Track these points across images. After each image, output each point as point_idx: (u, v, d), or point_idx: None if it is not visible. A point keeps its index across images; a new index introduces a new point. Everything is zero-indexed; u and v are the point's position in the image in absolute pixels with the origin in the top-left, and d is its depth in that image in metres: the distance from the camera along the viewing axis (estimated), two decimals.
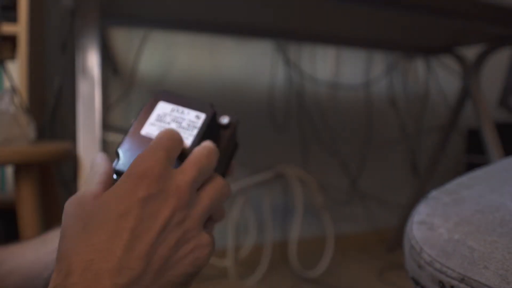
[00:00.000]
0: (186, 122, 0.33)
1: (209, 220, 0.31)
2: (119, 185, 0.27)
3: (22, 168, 0.78)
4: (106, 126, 1.26)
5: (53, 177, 0.99)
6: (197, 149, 0.31)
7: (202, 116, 0.33)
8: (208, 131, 0.33)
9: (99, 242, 0.25)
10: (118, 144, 0.32)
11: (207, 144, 0.31)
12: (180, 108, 0.33)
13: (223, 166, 0.35)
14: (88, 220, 0.26)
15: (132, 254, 0.25)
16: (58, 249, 0.26)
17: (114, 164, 0.31)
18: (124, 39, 1.33)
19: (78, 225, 0.26)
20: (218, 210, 0.32)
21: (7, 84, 0.93)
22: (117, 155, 0.31)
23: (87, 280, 0.23)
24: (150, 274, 0.25)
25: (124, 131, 0.32)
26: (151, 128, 0.32)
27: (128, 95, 1.34)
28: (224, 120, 0.35)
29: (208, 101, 0.34)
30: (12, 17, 0.96)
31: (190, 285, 0.28)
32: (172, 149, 0.29)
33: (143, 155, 0.28)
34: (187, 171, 0.29)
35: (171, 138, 0.30)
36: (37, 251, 0.43)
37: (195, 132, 0.32)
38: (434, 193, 0.45)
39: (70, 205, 0.28)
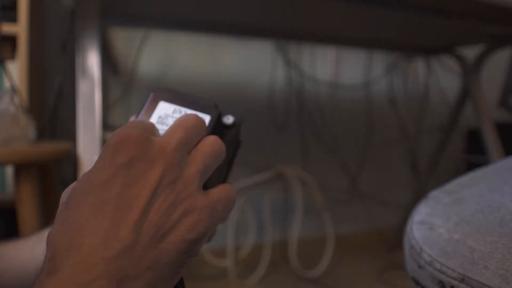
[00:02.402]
0: None
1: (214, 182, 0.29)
2: (98, 158, 0.25)
3: (22, 168, 0.78)
4: (106, 126, 1.26)
5: (53, 177, 0.99)
6: (182, 115, 0.29)
7: (207, 118, 0.31)
8: (213, 133, 0.30)
9: (81, 218, 0.23)
10: None
11: (191, 114, 0.29)
12: (183, 109, 0.31)
13: (226, 166, 0.34)
14: (71, 198, 0.24)
15: (119, 224, 0.22)
16: (47, 238, 0.24)
17: None
18: (124, 39, 1.33)
19: (63, 208, 0.24)
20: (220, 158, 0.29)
21: (7, 84, 0.93)
22: None
23: (72, 258, 0.21)
24: (142, 243, 0.23)
25: None
26: None
27: (128, 95, 1.34)
28: (229, 120, 0.34)
29: (211, 100, 0.32)
30: (12, 17, 0.96)
31: (194, 255, 0.25)
32: (149, 126, 0.27)
33: (118, 128, 0.26)
34: (172, 132, 0.27)
35: (144, 120, 0.28)
36: (33, 249, 0.42)
37: None
38: (434, 193, 0.45)
39: (62, 194, 0.26)
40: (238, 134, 0.35)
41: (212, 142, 0.28)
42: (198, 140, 0.28)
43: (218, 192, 0.28)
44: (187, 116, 0.28)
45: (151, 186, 0.24)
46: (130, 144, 0.24)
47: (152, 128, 0.28)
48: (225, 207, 0.28)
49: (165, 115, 0.31)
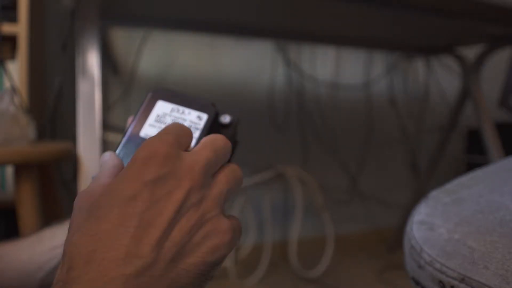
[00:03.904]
0: (188, 123, 0.31)
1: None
2: (125, 171, 0.25)
3: (22, 168, 0.78)
4: (106, 126, 1.26)
5: (53, 177, 0.99)
6: (211, 135, 0.29)
7: (204, 116, 0.31)
8: (210, 132, 0.31)
9: (103, 231, 0.22)
10: (116, 147, 0.30)
11: (220, 135, 0.29)
12: (181, 108, 0.31)
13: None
14: (92, 209, 0.24)
15: (141, 241, 0.22)
16: (64, 246, 0.24)
17: None
18: (124, 39, 1.33)
19: (82, 216, 0.24)
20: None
21: (7, 84, 0.93)
22: None
23: (90, 272, 0.21)
24: (163, 262, 0.22)
25: (123, 131, 0.31)
26: (150, 130, 0.30)
27: (128, 95, 1.34)
28: (226, 119, 0.34)
29: (208, 99, 0.32)
30: (12, 17, 0.96)
31: (210, 278, 0.25)
32: (182, 135, 0.27)
33: (149, 139, 0.26)
34: (201, 151, 0.26)
35: (181, 127, 0.28)
36: (32, 250, 0.42)
37: (197, 134, 0.30)
38: (434, 193, 0.45)
39: (78, 199, 0.26)
40: (235, 133, 0.35)
41: (236, 168, 0.29)
42: (222, 164, 0.28)
43: (235, 219, 0.28)
44: (216, 136, 0.28)
45: (176, 204, 0.24)
46: (158, 161, 0.24)
47: (186, 137, 0.27)
48: (239, 233, 0.28)
49: (163, 114, 0.31)
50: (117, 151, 0.29)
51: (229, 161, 0.36)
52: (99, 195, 0.24)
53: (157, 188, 0.24)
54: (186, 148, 0.27)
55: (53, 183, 0.97)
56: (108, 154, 0.29)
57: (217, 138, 0.28)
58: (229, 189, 0.27)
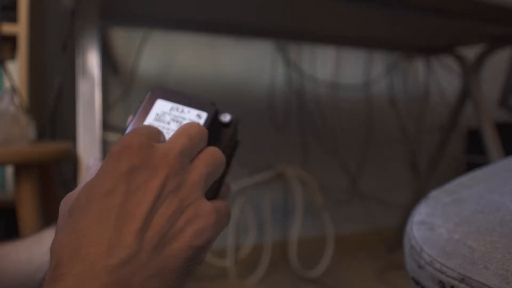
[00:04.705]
0: (187, 121, 0.30)
1: (221, 192, 0.29)
2: (101, 166, 0.25)
3: (22, 168, 0.78)
4: (106, 126, 1.26)
5: (53, 177, 0.99)
6: (185, 123, 0.29)
7: (204, 115, 0.31)
8: (210, 130, 0.31)
9: (85, 227, 0.23)
10: None
11: (194, 122, 0.30)
12: (180, 107, 0.31)
13: (225, 166, 0.34)
14: (74, 208, 0.24)
15: (123, 232, 0.22)
16: (50, 247, 0.24)
17: None
18: (124, 39, 1.34)
19: (65, 216, 0.24)
20: (224, 186, 0.29)
21: (7, 84, 0.93)
22: None
23: (76, 267, 0.21)
24: (146, 250, 0.23)
25: (123, 131, 0.31)
26: None
27: (128, 95, 1.34)
28: (226, 118, 0.34)
29: (208, 98, 0.32)
30: (12, 17, 0.96)
31: (200, 262, 0.26)
32: (153, 131, 0.27)
33: (122, 135, 0.26)
34: (175, 139, 0.27)
35: (151, 126, 0.29)
36: (31, 251, 0.42)
37: None
38: (434, 193, 0.45)
39: (62, 203, 0.26)
40: (236, 132, 0.35)
41: (214, 151, 0.29)
42: (200, 149, 0.28)
43: (219, 202, 0.28)
44: (190, 124, 0.29)
45: (154, 193, 0.24)
46: (132, 152, 0.24)
47: (156, 134, 0.28)
48: (226, 216, 0.28)
49: (162, 112, 0.31)
50: None
51: (230, 161, 0.36)
52: (79, 193, 0.25)
53: (133, 178, 0.24)
54: (158, 142, 0.27)
55: (53, 183, 0.97)
56: (92, 161, 0.30)
57: (192, 125, 0.28)
58: (209, 172, 0.27)
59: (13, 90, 0.87)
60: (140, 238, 0.23)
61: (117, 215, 0.23)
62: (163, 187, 0.24)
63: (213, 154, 0.28)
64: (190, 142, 0.27)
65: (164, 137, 0.29)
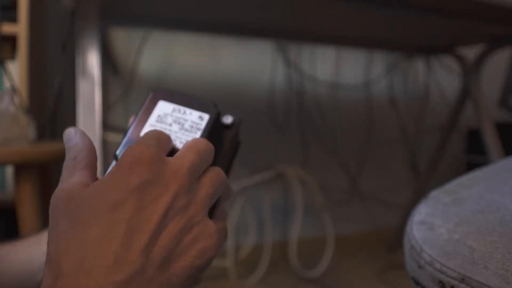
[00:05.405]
0: (189, 123, 0.30)
1: (216, 212, 0.29)
2: (110, 175, 0.24)
3: (22, 168, 0.78)
4: (106, 126, 1.26)
5: (53, 177, 0.99)
6: (193, 139, 0.29)
7: (206, 117, 0.31)
8: (212, 132, 0.31)
9: (91, 238, 0.22)
10: (117, 147, 0.29)
11: (202, 138, 0.30)
12: (182, 108, 0.31)
13: (226, 166, 0.34)
14: (77, 214, 0.23)
15: (129, 248, 0.22)
16: (47, 251, 0.23)
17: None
18: (124, 39, 1.33)
19: (66, 221, 0.23)
20: (225, 191, 0.30)
21: (7, 84, 0.93)
22: (116, 159, 0.29)
23: (80, 280, 0.21)
24: (152, 267, 0.22)
25: (124, 131, 0.31)
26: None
27: (128, 95, 1.34)
28: (228, 120, 0.34)
29: (210, 99, 0.32)
30: (12, 17, 0.96)
31: (199, 281, 0.26)
32: (163, 140, 0.27)
33: (132, 144, 0.26)
34: (185, 155, 0.27)
35: (160, 132, 0.28)
36: (31, 251, 0.42)
37: (198, 134, 0.30)
38: (434, 193, 0.45)
39: (56, 200, 0.25)
40: (237, 134, 0.35)
41: (219, 172, 0.29)
42: (207, 166, 0.28)
43: (220, 222, 0.28)
44: (198, 140, 0.28)
45: (163, 210, 0.24)
46: (143, 166, 0.24)
47: (166, 142, 0.28)
48: (226, 237, 0.28)
49: (164, 114, 0.31)
50: (118, 152, 0.29)
51: (232, 161, 0.36)
52: (83, 199, 0.24)
53: (143, 193, 0.24)
54: (167, 152, 0.27)
55: (53, 183, 0.98)
56: (76, 136, 0.29)
57: (200, 141, 0.28)
58: (214, 191, 0.27)
59: (13, 90, 0.87)
60: (147, 255, 0.22)
61: (125, 229, 0.22)
62: (172, 205, 0.24)
63: (219, 174, 0.28)
64: (199, 159, 0.27)
65: (172, 144, 0.29)
